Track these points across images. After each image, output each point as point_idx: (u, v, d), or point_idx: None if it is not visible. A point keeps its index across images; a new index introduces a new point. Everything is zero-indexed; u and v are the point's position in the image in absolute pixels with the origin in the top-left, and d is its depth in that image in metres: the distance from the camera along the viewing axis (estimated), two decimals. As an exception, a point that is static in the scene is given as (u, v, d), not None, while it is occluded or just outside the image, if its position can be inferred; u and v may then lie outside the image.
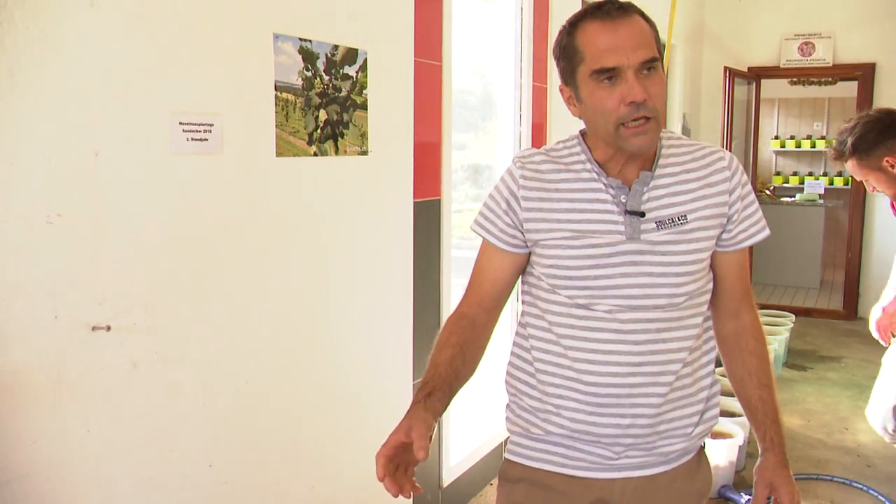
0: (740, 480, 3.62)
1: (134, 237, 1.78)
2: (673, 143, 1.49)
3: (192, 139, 1.89)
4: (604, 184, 1.42)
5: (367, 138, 2.47)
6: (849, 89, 7.08)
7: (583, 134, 1.50)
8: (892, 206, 2.81)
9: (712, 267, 1.52)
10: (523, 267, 1.53)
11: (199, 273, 1.95)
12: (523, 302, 1.56)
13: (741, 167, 1.50)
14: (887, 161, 2.50)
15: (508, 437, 1.60)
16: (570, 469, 1.50)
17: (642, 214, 1.40)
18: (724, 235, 1.48)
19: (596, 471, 1.49)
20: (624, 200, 1.41)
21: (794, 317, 5.95)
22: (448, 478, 3.15)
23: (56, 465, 1.64)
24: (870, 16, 6.53)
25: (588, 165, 1.45)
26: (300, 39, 2.18)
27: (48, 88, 1.58)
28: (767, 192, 8.93)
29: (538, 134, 3.82)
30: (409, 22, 2.68)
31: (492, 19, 3.68)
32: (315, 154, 2.27)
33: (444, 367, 1.43)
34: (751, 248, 1.54)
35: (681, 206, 1.43)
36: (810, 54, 6.77)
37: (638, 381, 1.42)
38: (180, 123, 1.85)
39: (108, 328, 1.71)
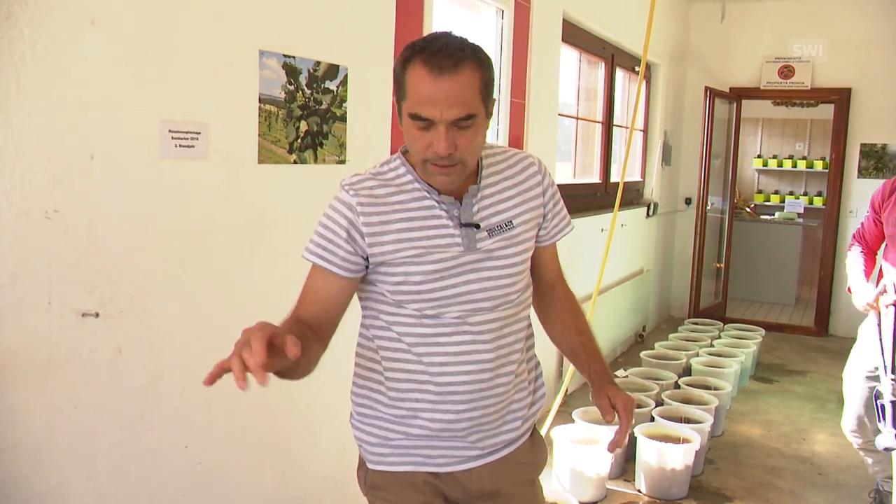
0: (697, 484, 3.79)
1: (124, 233, 1.95)
2: (489, 153, 1.61)
3: (181, 146, 2.06)
4: (436, 200, 1.51)
5: (345, 148, 2.65)
6: (830, 112, 7.29)
7: (405, 153, 1.56)
8: None
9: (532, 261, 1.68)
10: (357, 285, 1.57)
11: (183, 268, 2.13)
12: (364, 315, 1.61)
13: (547, 168, 1.68)
14: None
15: (362, 447, 1.64)
16: (432, 467, 1.60)
17: (477, 226, 1.52)
18: (541, 233, 1.66)
19: (456, 464, 1.60)
20: (457, 214, 1.51)
21: (763, 331, 6.14)
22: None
23: (45, 438, 1.81)
24: (846, 43, 6.74)
25: (417, 185, 1.52)
26: (284, 56, 2.36)
27: (51, 96, 1.76)
28: (748, 209, 9.13)
29: (515, 145, 3.98)
30: (390, 39, 2.86)
31: (473, 36, 3.85)
32: (295, 162, 2.44)
33: (292, 323, 1.45)
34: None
35: (506, 212, 1.57)
36: (790, 77, 6.98)
37: (487, 376, 1.55)
38: (170, 131, 2.03)
39: (97, 315, 1.88)
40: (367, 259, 1.51)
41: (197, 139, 2.11)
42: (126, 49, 1.91)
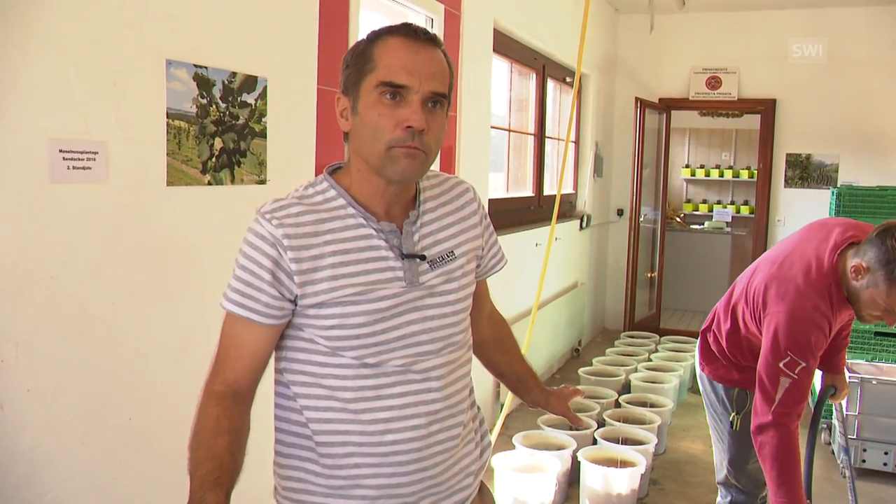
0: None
1: (5, 271, 1.69)
2: (424, 177, 1.44)
3: (74, 167, 1.81)
4: (374, 229, 1.32)
5: (265, 167, 2.43)
6: (754, 122, 7.37)
7: (331, 173, 1.38)
8: None
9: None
10: (282, 331, 1.35)
11: (79, 307, 1.87)
12: (282, 370, 1.38)
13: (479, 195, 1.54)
14: None
15: None
16: None
17: (423, 258, 1.35)
18: (478, 268, 1.50)
19: None
20: (398, 244, 1.33)
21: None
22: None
23: (-89, 514, 1.55)
24: (771, 55, 6.81)
25: (351, 210, 1.32)
26: (195, 66, 2.13)
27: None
28: (678, 218, 9.19)
29: (447, 158, 3.83)
30: (313, 49, 2.65)
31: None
32: (209, 183, 2.21)
33: (227, 457, 1.22)
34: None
35: (446, 242, 1.40)
36: (717, 88, 7.01)
37: (436, 429, 1.36)
38: (60, 151, 1.78)
39: (-28, 367, 1.62)
40: (294, 301, 1.29)
41: (94, 160, 1.86)
42: (5, 55, 1.66)
